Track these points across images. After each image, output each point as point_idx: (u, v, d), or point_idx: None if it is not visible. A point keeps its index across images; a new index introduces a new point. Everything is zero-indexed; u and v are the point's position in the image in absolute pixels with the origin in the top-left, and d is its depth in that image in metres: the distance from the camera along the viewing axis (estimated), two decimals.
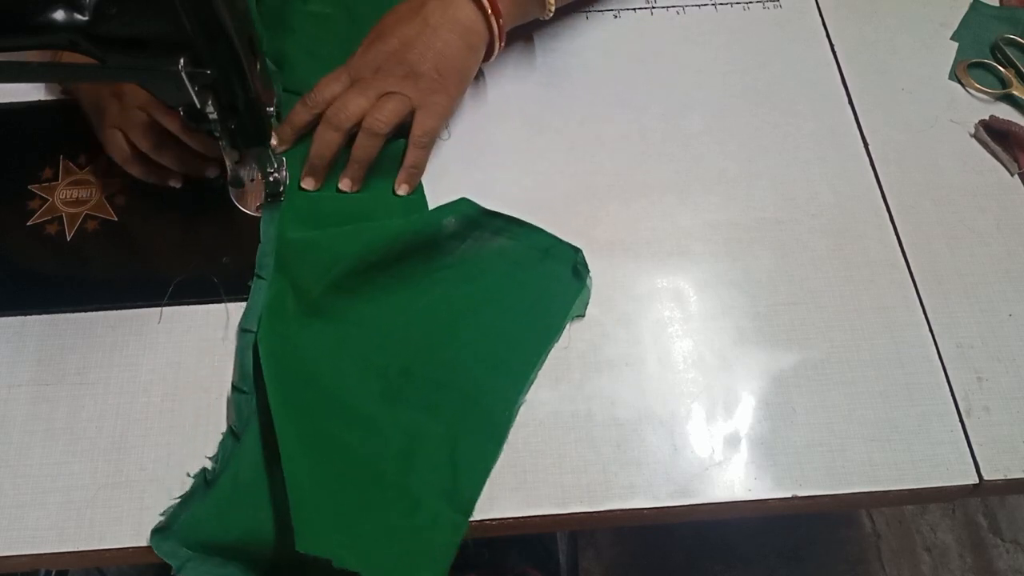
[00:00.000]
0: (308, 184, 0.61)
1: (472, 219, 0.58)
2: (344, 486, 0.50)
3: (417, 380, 0.54)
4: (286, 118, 0.62)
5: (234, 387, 0.54)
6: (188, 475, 0.52)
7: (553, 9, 0.65)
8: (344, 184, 0.61)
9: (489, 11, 0.61)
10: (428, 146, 0.61)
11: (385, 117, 0.59)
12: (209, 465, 0.52)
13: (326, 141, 0.59)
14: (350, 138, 0.60)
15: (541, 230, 0.59)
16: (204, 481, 0.51)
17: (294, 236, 0.58)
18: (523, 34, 0.70)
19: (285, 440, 0.50)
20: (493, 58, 0.64)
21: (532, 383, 0.55)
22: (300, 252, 0.57)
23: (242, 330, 0.56)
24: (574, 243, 0.60)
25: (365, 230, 0.56)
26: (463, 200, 0.58)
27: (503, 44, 0.63)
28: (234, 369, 0.55)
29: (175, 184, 0.62)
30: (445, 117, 0.62)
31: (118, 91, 0.59)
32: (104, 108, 0.60)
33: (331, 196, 0.61)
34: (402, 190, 0.61)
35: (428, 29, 0.60)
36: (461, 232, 0.58)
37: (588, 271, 0.58)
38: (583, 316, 0.57)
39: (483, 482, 0.51)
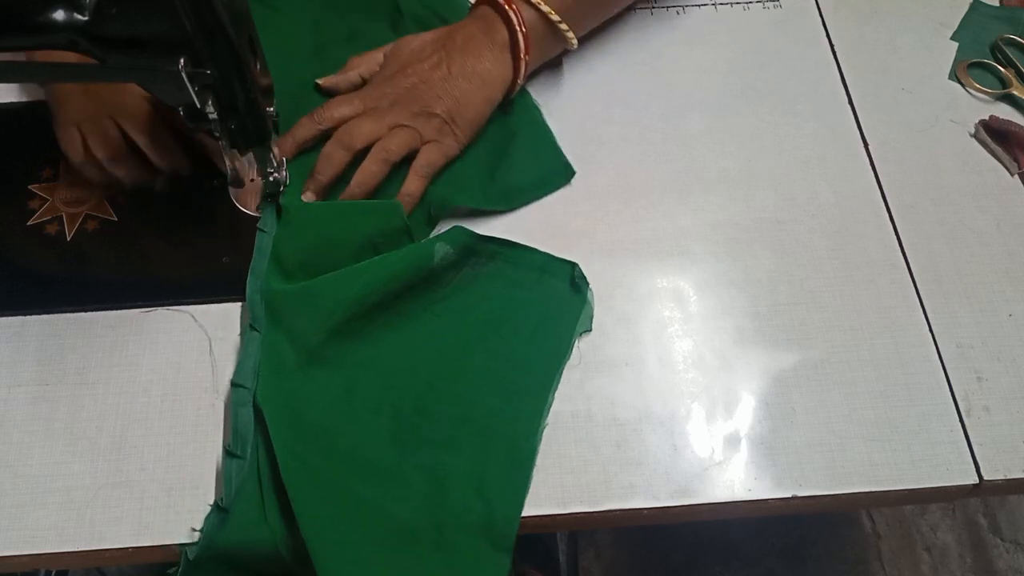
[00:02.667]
0: (308, 197, 0.59)
1: (466, 246, 0.57)
2: (374, 546, 0.49)
3: (434, 417, 0.53)
4: (290, 131, 0.61)
5: (226, 451, 0.52)
6: (176, 548, 0.50)
7: (575, 43, 0.65)
8: None
9: (522, 52, 0.61)
10: (427, 177, 0.60)
11: (396, 147, 0.59)
12: (195, 537, 0.50)
13: (334, 159, 0.59)
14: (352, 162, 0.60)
15: (534, 249, 0.58)
16: (187, 560, 0.49)
17: (283, 287, 0.56)
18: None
19: (303, 507, 0.49)
20: (513, 94, 0.64)
21: (551, 406, 0.54)
22: (295, 302, 0.55)
23: (234, 385, 0.54)
24: (575, 243, 0.60)
25: (361, 273, 0.55)
26: (455, 228, 0.57)
27: (523, 82, 0.64)
28: (225, 429, 0.53)
29: (124, 186, 0.62)
30: (449, 158, 0.61)
31: (90, 89, 0.59)
32: (70, 101, 0.59)
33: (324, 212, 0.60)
34: None
35: (450, 77, 0.60)
36: (457, 261, 0.57)
37: (587, 284, 0.57)
38: (590, 331, 0.57)
39: (519, 514, 0.50)
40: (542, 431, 0.53)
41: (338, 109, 0.61)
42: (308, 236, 0.58)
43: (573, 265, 0.58)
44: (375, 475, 0.51)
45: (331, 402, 0.53)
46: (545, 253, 0.58)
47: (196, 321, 0.57)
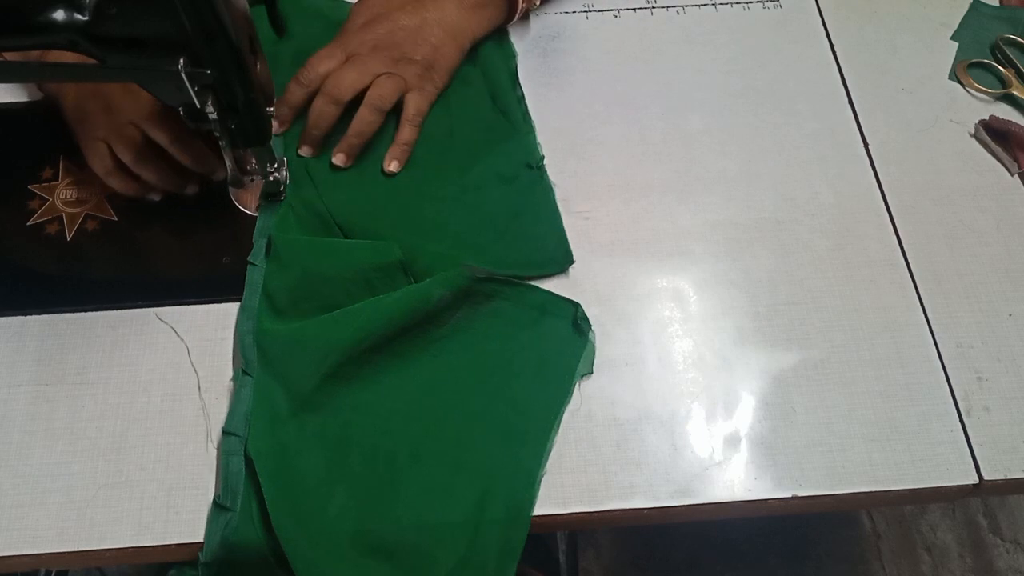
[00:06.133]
0: (305, 152, 0.61)
1: (463, 288, 0.55)
2: None
3: (429, 464, 0.51)
4: (281, 98, 0.62)
5: (215, 502, 0.50)
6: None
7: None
8: (338, 159, 0.61)
9: None
10: (419, 125, 0.63)
11: (388, 94, 0.61)
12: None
13: (324, 113, 0.60)
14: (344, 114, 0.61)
15: (535, 287, 0.57)
16: None
17: (275, 328, 0.54)
18: (524, 33, 0.70)
19: (297, 562, 0.48)
20: (514, 19, 0.68)
21: (551, 451, 0.52)
22: (287, 346, 0.54)
23: (225, 433, 0.52)
24: (575, 243, 0.60)
25: (354, 316, 0.53)
26: (455, 271, 0.54)
27: (518, 16, 0.68)
28: (216, 479, 0.52)
29: (154, 198, 0.62)
30: (431, 103, 0.64)
31: (107, 103, 0.59)
32: (91, 119, 0.59)
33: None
34: (392, 166, 0.61)
35: (426, 24, 0.63)
36: (454, 302, 0.55)
37: (590, 325, 0.56)
38: (591, 374, 0.55)
39: (513, 571, 0.49)
40: (540, 479, 0.52)
41: (321, 64, 0.62)
42: (298, 272, 0.56)
43: (576, 306, 0.56)
44: (368, 534, 0.50)
45: (325, 452, 0.52)
46: (546, 291, 0.57)
47: (196, 321, 0.57)
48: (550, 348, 0.55)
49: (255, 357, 0.54)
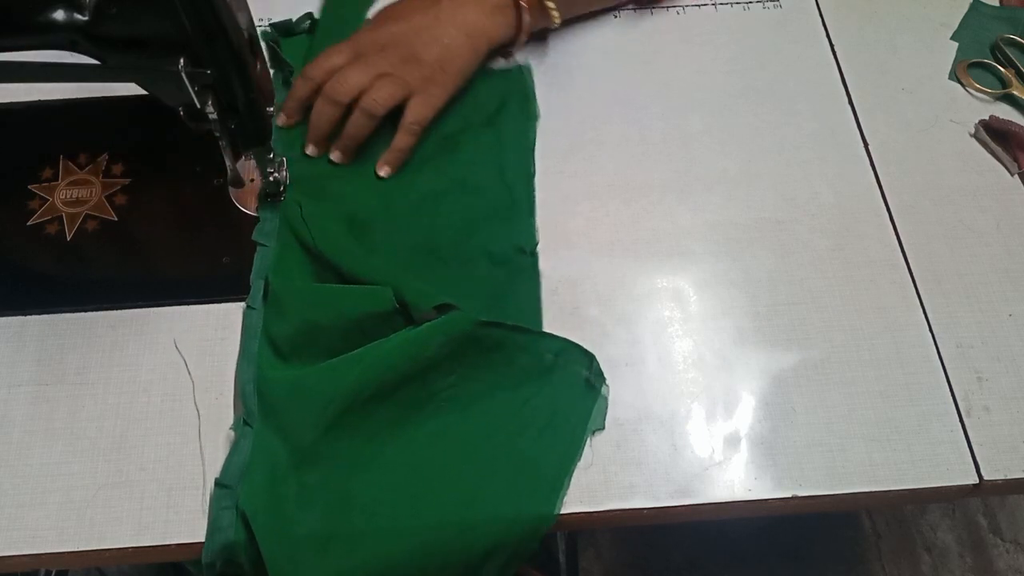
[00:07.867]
0: (310, 151, 0.61)
1: (467, 333, 0.52)
2: None
3: (432, 520, 0.50)
4: (290, 92, 0.62)
5: (205, 565, 0.49)
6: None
7: (558, 21, 0.67)
8: (335, 155, 0.61)
9: (524, 10, 0.63)
10: (417, 134, 0.62)
11: (382, 98, 0.60)
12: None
13: (324, 114, 0.60)
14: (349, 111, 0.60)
15: (548, 334, 0.55)
16: None
17: (276, 375, 0.53)
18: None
19: None
20: (516, 47, 0.67)
21: (559, 512, 0.51)
22: (288, 396, 0.52)
23: (219, 485, 0.50)
24: (575, 243, 0.60)
25: (354, 364, 0.51)
26: (454, 314, 0.52)
27: (524, 41, 0.66)
28: (206, 541, 0.49)
29: None
30: (438, 109, 0.62)
31: None
32: None
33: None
34: (383, 171, 0.61)
35: (439, 23, 0.62)
36: (459, 350, 0.52)
37: (604, 379, 0.54)
38: (603, 429, 0.53)
39: None
40: (542, 535, 0.50)
41: (329, 61, 0.61)
42: (296, 321, 0.55)
43: (591, 358, 0.54)
44: None
45: (325, 505, 0.50)
46: (563, 339, 0.55)
47: (196, 321, 0.57)
48: (561, 400, 0.53)
49: (255, 407, 0.53)
